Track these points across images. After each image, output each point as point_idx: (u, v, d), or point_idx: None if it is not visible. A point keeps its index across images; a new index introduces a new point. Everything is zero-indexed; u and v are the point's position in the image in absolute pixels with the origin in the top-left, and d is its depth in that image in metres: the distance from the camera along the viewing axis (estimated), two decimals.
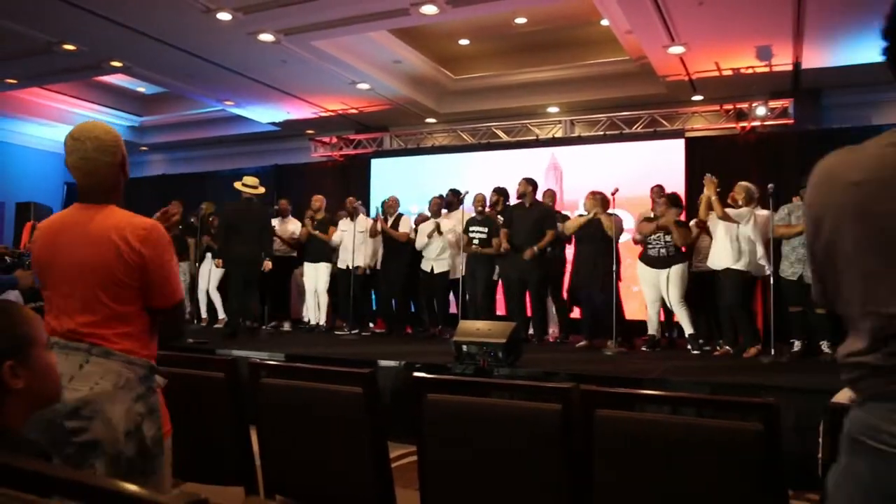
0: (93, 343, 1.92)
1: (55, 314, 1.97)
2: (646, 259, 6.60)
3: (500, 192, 7.71)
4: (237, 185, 7.50)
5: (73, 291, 1.95)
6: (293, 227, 8.53)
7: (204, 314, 9.00)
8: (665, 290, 6.44)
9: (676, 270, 6.41)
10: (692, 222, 6.82)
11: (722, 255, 6.04)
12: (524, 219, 7.06)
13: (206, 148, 12.94)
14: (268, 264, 7.35)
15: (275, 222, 8.39)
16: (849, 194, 1.17)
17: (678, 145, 9.07)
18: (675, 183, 8.25)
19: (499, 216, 7.43)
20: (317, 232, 8.14)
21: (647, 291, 6.61)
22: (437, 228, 7.53)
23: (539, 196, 7.47)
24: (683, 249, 6.54)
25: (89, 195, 2.02)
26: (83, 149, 1.98)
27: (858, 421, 1.17)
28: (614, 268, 6.44)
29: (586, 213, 6.84)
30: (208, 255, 8.54)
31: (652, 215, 6.72)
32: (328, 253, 8.29)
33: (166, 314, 2.02)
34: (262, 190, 7.55)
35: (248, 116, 11.08)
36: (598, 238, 6.63)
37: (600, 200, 6.73)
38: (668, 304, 6.49)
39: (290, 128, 11.55)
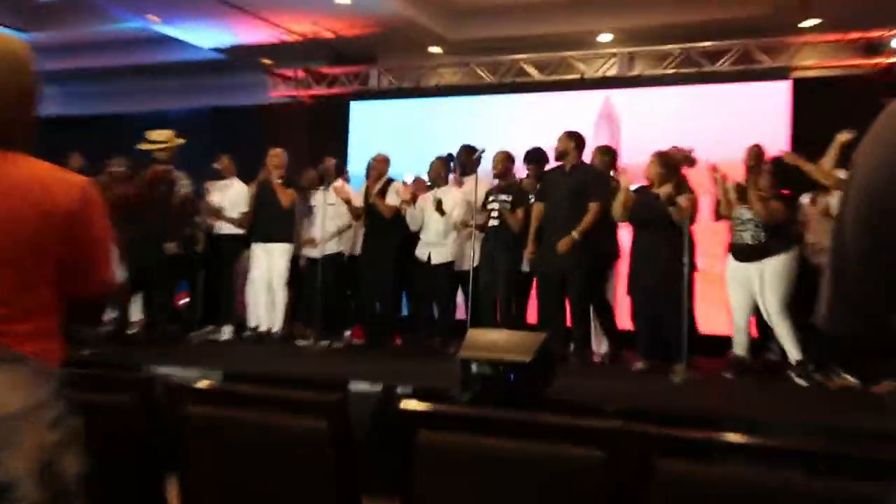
0: None
1: None
2: (733, 249, 6.57)
3: (535, 161, 7.68)
4: (142, 146, 7.56)
5: None
6: (237, 193, 8.51)
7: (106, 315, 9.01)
8: (759, 293, 6.41)
9: (776, 265, 6.36)
10: (806, 199, 6.76)
11: None
12: (561, 188, 7.05)
13: (119, 81, 12.94)
14: (170, 246, 7.50)
15: (213, 188, 8.34)
16: None
17: (781, 89, 9.03)
18: (776, 141, 8.21)
19: (526, 180, 7.45)
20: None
21: (734, 294, 6.59)
22: (439, 206, 7.50)
23: (587, 157, 7.45)
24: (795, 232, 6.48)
25: None
26: None
27: None
28: (685, 262, 6.40)
29: (649, 183, 6.80)
30: None
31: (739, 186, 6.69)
32: (287, 230, 8.29)
33: (85, 302, 2.14)
34: (176, 142, 7.57)
35: (179, 38, 11.06)
36: (661, 221, 6.59)
37: (666, 167, 6.67)
38: (764, 313, 6.47)
39: (238, 56, 11.55)
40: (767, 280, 6.38)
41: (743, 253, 6.48)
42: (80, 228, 2.01)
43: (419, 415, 2.26)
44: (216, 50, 11.37)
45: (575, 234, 6.88)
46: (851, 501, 1.78)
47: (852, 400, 5.74)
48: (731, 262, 6.60)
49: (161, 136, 7.47)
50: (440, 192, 7.74)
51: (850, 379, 6.15)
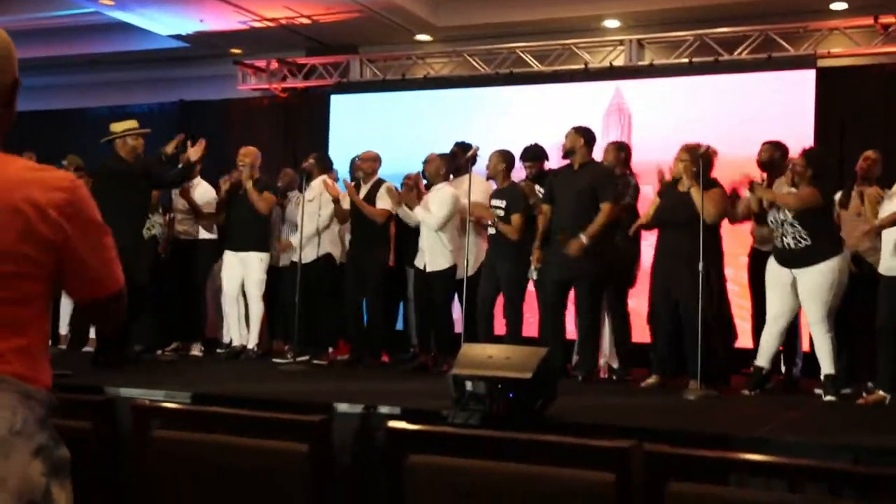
0: None
1: None
2: (774, 252, 6.57)
3: (534, 158, 7.67)
4: (109, 138, 7.46)
5: None
6: (203, 195, 8.51)
7: (64, 330, 8.98)
8: (799, 300, 6.41)
9: (822, 270, 6.33)
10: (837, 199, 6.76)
11: (887, 248, 6.04)
12: (569, 188, 7.05)
13: (73, 73, 12.90)
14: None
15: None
16: None
17: (806, 79, 9.04)
18: (800, 135, 8.23)
19: (536, 187, 7.42)
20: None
21: (773, 300, 6.57)
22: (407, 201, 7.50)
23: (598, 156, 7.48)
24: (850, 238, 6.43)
25: None
26: None
27: None
28: (701, 266, 6.39)
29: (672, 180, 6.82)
30: None
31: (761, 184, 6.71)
32: (262, 237, 8.28)
33: (97, 309, 2.13)
34: (143, 130, 7.52)
35: (138, 25, 11.03)
36: (685, 221, 6.58)
37: (692, 162, 6.64)
38: (809, 323, 6.48)
39: (204, 45, 11.52)
40: (813, 286, 6.35)
41: (785, 257, 6.45)
42: (71, 234, 2.00)
43: (409, 437, 2.26)
44: (177, 37, 11.33)
45: (584, 237, 6.85)
46: None
47: (884, 416, 5.74)
48: (773, 265, 6.58)
49: (126, 126, 7.44)
50: (431, 191, 7.75)
51: (882, 393, 6.17)
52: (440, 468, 2.19)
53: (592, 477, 2.00)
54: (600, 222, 6.91)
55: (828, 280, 6.33)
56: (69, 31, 12.09)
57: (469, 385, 5.04)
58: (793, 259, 6.41)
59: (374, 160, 8.13)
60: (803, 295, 6.41)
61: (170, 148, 7.50)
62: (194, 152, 7.54)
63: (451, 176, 7.92)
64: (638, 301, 7.50)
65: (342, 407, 5.27)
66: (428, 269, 7.70)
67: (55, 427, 2.19)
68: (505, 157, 7.56)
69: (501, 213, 7.36)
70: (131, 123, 7.50)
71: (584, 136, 7.19)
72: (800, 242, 6.38)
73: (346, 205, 8.01)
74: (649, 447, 1.96)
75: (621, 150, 7.64)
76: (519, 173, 7.81)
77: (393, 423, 2.27)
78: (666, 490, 1.92)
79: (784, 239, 6.44)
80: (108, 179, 7.24)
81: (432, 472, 2.20)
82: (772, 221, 6.51)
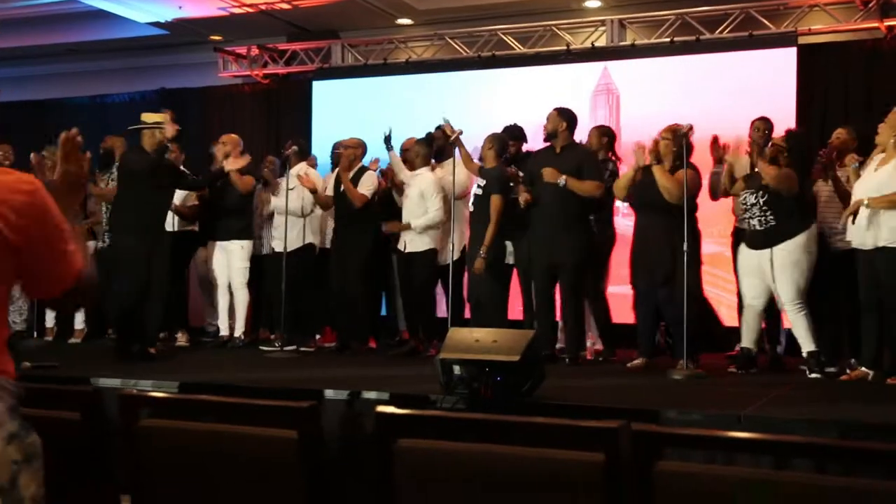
0: None
1: None
2: (742, 236, 6.63)
3: (512, 136, 7.66)
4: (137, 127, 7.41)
5: None
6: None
7: (51, 322, 8.96)
8: (772, 281, 6.44)
9: (789, 248, 6.38)
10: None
11: (862, 223, 6.05)
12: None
13: (52, 62, 12.79)
14: None
15: None
16: None
17: (786, 56, 9.06)
18: (782, 113, 8.26)
19: (513, 168, 7.41)
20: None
21: (746, 284, 6.64)
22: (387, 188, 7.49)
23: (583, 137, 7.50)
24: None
25: None
26: None
27: None
28: (684, 248, 6.42)
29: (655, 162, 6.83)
30: None
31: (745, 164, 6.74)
32: (245, 225, 8.29)
33: (57, 304, 2.13)
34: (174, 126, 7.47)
35: (115, 13, 10.95)
36: (663, 201, 6.62)
37: (674, 142, 6.66)
38: (778, 302, 6.51)
39: (184, 32, 11.45)
40: (780, 266, 6.40)
41: (753, 240, 6.53)
42: (32, 238, 2.02)
43: (398, 421, 2.27)
44: (156, 25, 11.25)
45: (564, 178, 6.88)
46: (870, 497, 1.81)
47: (869, 392, 5.79)
48: (743, 250, 6.65)
49: (156, 118, 7.38)
50: (411, 177, 7.74)
51: (865, 370, 6.22)
52: (430, 452, 2.20)
53: (581, 457, 2.01)
54: (584, 187, 6.92)
55: (794, 257, 6.39)
56: (47, 19, 11.97)
57: (457, 369, 5.07)
58: (760, 241, 6.48)
59: (358, 146, 8.11)
60: (774, 274, 6.45)
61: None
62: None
63: (434, 160, 7.91)
64: (614, 281, 7.58)
65: (330, 393, 5.30)
66: (408, 250, 7.70)
67: (40, 416, 2.20)
68: (494, 140, 7.52)
69: (480, 192, 7.31)
70: (162, 116, 7.42)
71: (567, 118, 7.19)
72: (765, 224, 6.44)
73: (329, 192, 8.00)
74: (637, 426, 1.97)
75: (604, 135, 7.66)
76: None
77: (382, 408, 2.27)
78: (654, 470, 1.93)
79: (751, 221, 6.50)
80: (130, 176, 7.26)
81: (422, 456, 2.21)
82: (742, 203, 6.54)
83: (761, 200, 6.45)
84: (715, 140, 7.06)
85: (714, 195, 7.06)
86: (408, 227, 7.66)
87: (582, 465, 2.00)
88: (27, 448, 2.01)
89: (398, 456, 2.23)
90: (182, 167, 8.02)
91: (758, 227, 6.49)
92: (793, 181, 6.40)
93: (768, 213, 6.44)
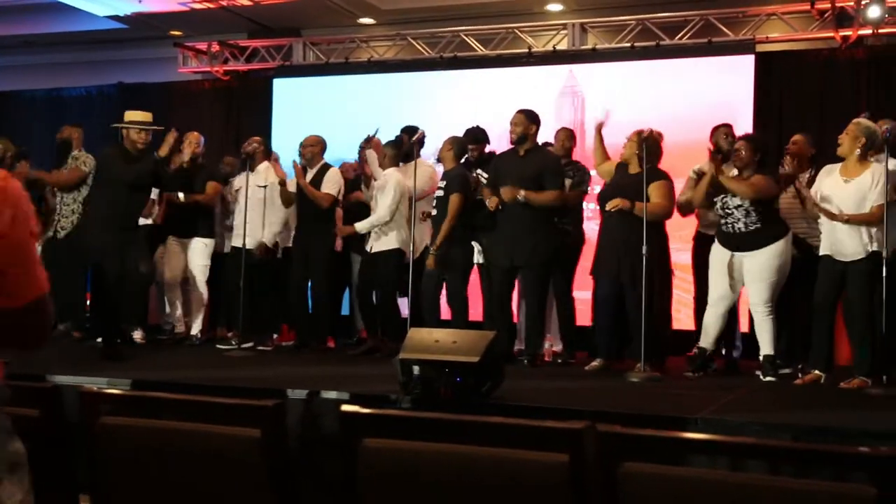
0: None
1: None
2: (721, 237, 6.66)
3: (475, 138, 7.67)
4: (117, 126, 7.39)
5: None
6: None
7: None
8: (747, 283, 6.50)
9: (770, 253, 6.44)
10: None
11: (837, 235, 6.11)
12: (515, 175, 7.05)
13: (8, 54, 12.61)
14: None
15: None
16: None
17: (744, 64, 9.16)
18: (740, 119, 8.34)
19: (479, 173, 7.42)
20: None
21: (716, 282, 6.68)
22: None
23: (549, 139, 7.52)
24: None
25: None
26: None
27: None
28: (644, 251, 6.47)
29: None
30: None
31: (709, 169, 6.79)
32: (206, 222, 8.24)
33: (10, 317, 1.89)
34: (145, 128, 7.43)
35: (73, 5, 10.82)
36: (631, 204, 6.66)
37: (642, 147, 6.69)
38: (751, 304, 6.57)
39: (143, 26, 11.35)
40: (759, 268, 6.45)
41: (735, 241, 6.53)
42: (7, 211, 1.88)
43: (363, 420, 2.26)
44: (115, 18, 11.13)
45: (523, 192, 6.88)
46: (823, 498, 1.84)
47: (822, 395, 5.87)
48: (717, 249, 6.67)
49: (135, 118, 7.31)
50: (379, 178, 7.72)
51: (817, 372, 6.30)
52: (395, 451, 2.21)
53: (546, 458, 2.02)
54: (543, 198, 6.94)
55: (776, 262, 6.44)
56: (3, 10, 11.80)
57: (416, 369, 5.06)
58: (741, 242, 6.50)
59: (317, 144, 8.08)
60: (749, 277, 6.50)
61: (164, 150, 7.40)
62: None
63: (402, 163, 7.89)
64: (579, 285, 7.59)
65: (291, 392, 5.27)
66: (374, 250, 7.69)
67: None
68: (453, 143, 7.52)
69: (442, 194, 7.31)
70: (141, 116, 7.36)
71: (534, 120, 7.20)
72: (750, 227, 6.48)
73: (291, 188, 7.96)
74: (602, 428, 1.99)
75: (570, 140, 7.72)
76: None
77: (346, 407, 2.27)
78: (618, 471, 1.95)
79: (735, 224, 6.51)
80: (110, 176, 7.25)
81: (386, 455, 2.21)
82: (721, 207, 6.58)
83: (747, 203, 6.47)
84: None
85: (687, 210, 7.14)
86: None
87: (546, 465, 2.00)
88: (9, 455, 1.93)
89: (363, 455, 2.23)
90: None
91: (742, 230, 6.49)
92: (768, 184, 6.47)
93: (754, 216, 6.45)
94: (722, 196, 6.56)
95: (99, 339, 7.99)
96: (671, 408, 5.06)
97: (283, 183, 7.88)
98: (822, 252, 6.28)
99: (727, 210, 6.54)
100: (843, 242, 6.13)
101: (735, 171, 6.62)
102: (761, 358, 6.53)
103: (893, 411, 5.24)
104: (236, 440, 2.37)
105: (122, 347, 7.24)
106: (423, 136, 7.56)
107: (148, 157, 7.28)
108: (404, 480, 2.18)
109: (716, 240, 6.70)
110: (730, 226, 6.54)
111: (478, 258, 7.39)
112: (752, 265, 6.46)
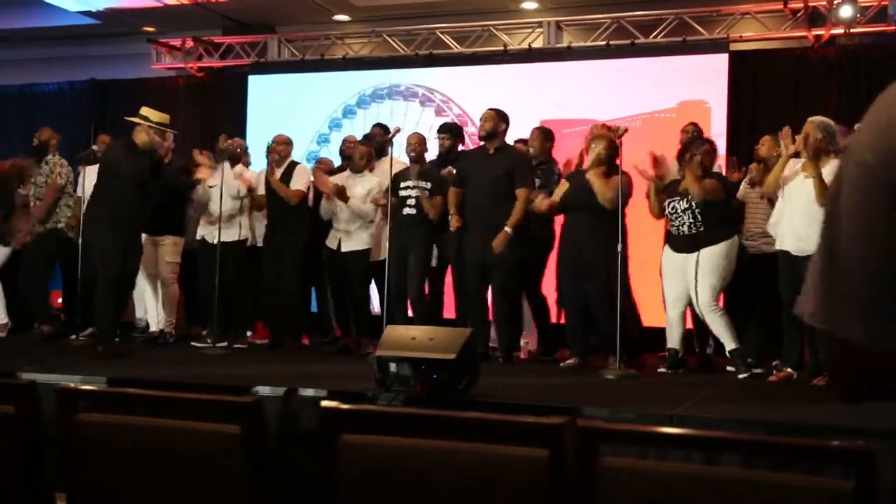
0: None
1: None
2: (670, 240, 6.73)
3: (451, 132, 7.69)
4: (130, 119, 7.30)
5: None
6: None
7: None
8: (692, 285, 6.55)
9: (712, 253, 6.51)
10: (744, 180, 6.97)
11: (802, 230, 6.12)
12: (484, 173, 7.06)
13: None
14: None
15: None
16: None
17: (718, 63, 9.23)
18: (714, 118, 8.41)
19: (448, 170, 7.44)
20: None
21: (669, 286, 6.75)
22: (341, 194, 7.47)
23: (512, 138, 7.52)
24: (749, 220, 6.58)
25: None
26: None
27: None
28: (619, 248, 6.51)
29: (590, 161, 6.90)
30: None
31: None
32: (177, 220, 8.20)
33: None
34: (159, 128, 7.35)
35: (45, 0, 10.73)
36: (593, 204, 6.69)
37: (610, 148, 6.74)
38: (695, 304, 6.62)
39: (116, 22, 11.28)
40: (701, 269, 6.52)
41: (681, 244, 6.62)
42: None
43: (343, 416, 2.25)
44: (88, 14, 11.04)
45: (508, 228, 6.87)
46: (796, 490, 1.86)
47: (794, 391, 5.91)
48: (668, 253, 6.76)
49: (150, 115, 7.23)
50: (353, 179, 7.70)
51: (789, 370, 6.36)
52: (374, 447, 2.20)
53: (526, 453, 2.02)
54: (520, 209, 6.93)
55: (715, 263, 6.51)
56: None
57: (393, 367, 5.08)
58: (686, 244, 6.58)
59: (287, 143, 8.08)
60: (690, 277, 6.56)
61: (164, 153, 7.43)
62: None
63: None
64: (548, 283, 7.61)
65: (266, 390, 5.25)
66: (343, 249, 7.67)
67: None
68: (422, 139, 7.56)
69: (427, 193, 7.35)
70: (159, 117, 7.28)
71: (506, 120, 7.22)
72: (693, 229, 6.55)
73: (260, 191, 7.94)
74: (584, 423, 1.99)
75: (548, 139, 7.70)
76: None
77: (326, 403, 2.27)
78: (598, 466, 1.96)
79: (681, 228, 6.59)
80: (117, 172, 7.12)
81: (366, 452, 2.21)
82: (671, 210, 6.64)
83: (694, 206, 6.54)
84: (654, 157, 7.01)
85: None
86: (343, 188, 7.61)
87: (526, 461, 2.01)
88: None
89: (342, 451, 2.22)
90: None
91: (686, 232, 6.59)
92: (719, 191, 6.57)
93: (699, 219, 6.54)
94: (670, 200, 6.64)
95: (74, 337, 7.98)
96: (647, 404, 5.09)
97: (251, 189, 7.86)
98: (778, 246, 6.28)
99: (675, 214, 6.62)
100: (809, 238, 6.04)
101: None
102: (728, 353, 6.61)
103: (865, 407, 5.29)
104: (216, 437, 2.36)
105: (122, 345, 7.27)
106: (398, 132, 7.57)
107: (152, 153, 7.22)
108: (384, 476, 2.18)
109: (666, 244, 6.79)
110: (677, 228, 6.64)
111: (434, 261, 7.43)
112: (696, 265, 6.53)
